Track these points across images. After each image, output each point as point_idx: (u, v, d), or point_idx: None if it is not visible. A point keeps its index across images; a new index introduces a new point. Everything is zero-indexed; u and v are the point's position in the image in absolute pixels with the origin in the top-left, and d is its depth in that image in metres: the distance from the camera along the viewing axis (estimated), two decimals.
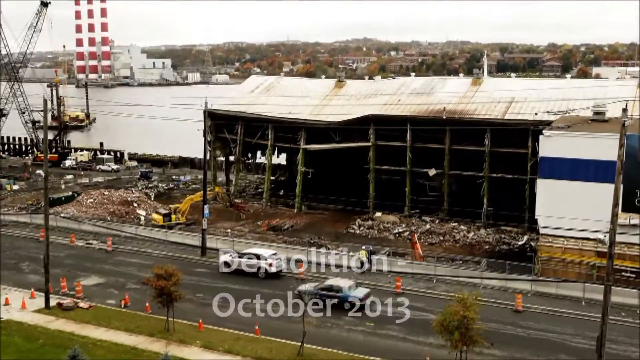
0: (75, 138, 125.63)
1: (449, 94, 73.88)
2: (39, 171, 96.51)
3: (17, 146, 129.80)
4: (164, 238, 60.93)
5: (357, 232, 66.88)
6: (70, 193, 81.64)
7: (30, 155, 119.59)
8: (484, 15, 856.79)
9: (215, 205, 73.83)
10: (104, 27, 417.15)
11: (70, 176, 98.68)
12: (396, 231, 65.77)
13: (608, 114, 57.03)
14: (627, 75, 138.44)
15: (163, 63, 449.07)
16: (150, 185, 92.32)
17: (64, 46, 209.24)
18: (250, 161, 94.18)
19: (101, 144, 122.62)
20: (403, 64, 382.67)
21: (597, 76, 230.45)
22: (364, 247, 53.24)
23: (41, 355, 35.28)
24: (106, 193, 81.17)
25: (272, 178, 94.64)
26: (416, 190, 72.97)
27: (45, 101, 45.62)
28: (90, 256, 56.42)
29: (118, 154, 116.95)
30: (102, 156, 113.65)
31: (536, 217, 52.18)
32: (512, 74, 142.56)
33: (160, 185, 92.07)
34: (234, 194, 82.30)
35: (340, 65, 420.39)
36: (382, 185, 74.92)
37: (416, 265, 51.82)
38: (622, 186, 29.27)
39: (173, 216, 68.82)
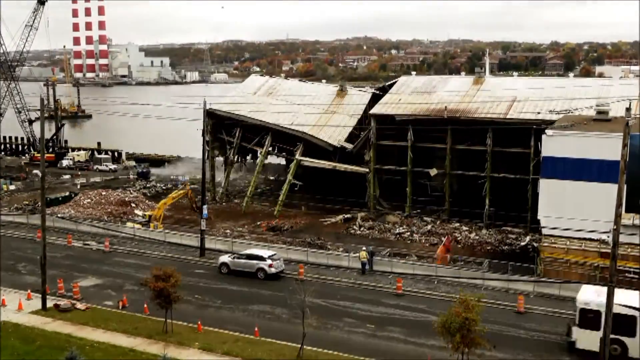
0: (72, 136, 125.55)
1: (451, 93, 73.92)
2: (36, 171, 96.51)
3: (13, 146, 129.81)
4: (162, 239, 60.93)
5: (358, 232, 66.91)
6: (67, 193, 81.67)
7: (26, 155, 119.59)
8: (487, 15, 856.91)
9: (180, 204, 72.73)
10: (101, 25, 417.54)
11: (67, 176, 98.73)
12: (397, 232, 65.79)
13: (611, 113, 57.08)
14: (630, 74, 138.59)
15: (161, 62, 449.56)
16: (148, 185, 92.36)
17: (64, 46, 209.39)
18: (248, 161, 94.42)
19: (99, 144, 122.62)
20: (404, 63, 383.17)
21: (601, 75, 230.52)
22: (364, 248, 53.26)
23: (38, 357, 35.25)
24: (103, 193, 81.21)
25: (272, 178, 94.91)
26: (417, 191, 73.01)
27: (42, 100, 45.62)
28: (87, 257, 56.43)
29: (115, 154, 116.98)
30: (100, 156, 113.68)
31: (538, 218, 52.19)
32: (514, 73, 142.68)
33: (158, 185, 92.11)
34: (222, 194, 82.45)
35: (340, 64, 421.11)
36: (383, 185, 75.02)
37: (417, 266, 51.85)
38: (625, 186, 29.29)
39: (151, 224, 66.18)
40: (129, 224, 66.86)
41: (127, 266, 53.56)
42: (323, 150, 76.56)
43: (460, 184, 72.49)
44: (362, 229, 67.83)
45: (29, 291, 45.16)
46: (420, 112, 71.23)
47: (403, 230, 66.24)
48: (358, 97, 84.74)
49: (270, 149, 79.78)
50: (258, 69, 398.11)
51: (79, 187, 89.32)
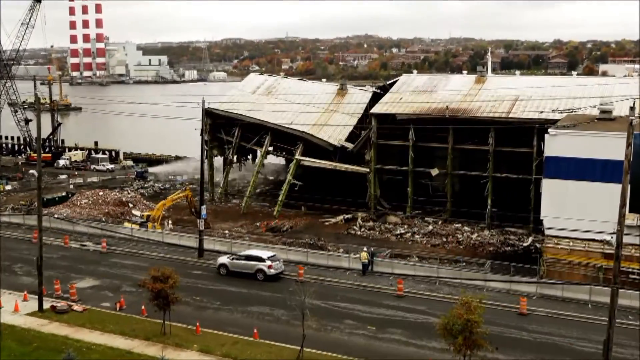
0: (69, 136, 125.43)
1: (452, 92, 73.95)
2: (32, 171, 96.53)
3: (9, 145, 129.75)
4: (160, 239, 60.92)
5: (358, 233, 66.92)
6: (64, 193, 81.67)
7: (23, 154, 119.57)
8: (490, 15, 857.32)
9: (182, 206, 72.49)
10: (98, 23, 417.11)
11: (64, 176, 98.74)
12: (398, 232, 65.80)
13: (615, 113, 57.07)
14: (634, 73, 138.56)
15: (159, 60, 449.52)
16: (145, 185, 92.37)
17: (52, 45, 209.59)
18: (247, 161, 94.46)
19: (96, 143, 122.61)
20: (405, 61, 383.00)
21: (604, 73, 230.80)
22: (364, 249, 53.25)
23: (35, 359, 35.27)
24: (101, 193, 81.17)
25: (271, 178, 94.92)
26: (419, 191, 73.01)
27: (38, 99, 45.66)
28: (84, 258, 56.43)
29: (113, 154, 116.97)
30: (97, 155, 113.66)
31: (541, 218, 52.16)
32: (517, 72, 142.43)
33: (156, 185, 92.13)
34: (221, 194, 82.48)
35: (340, 63, 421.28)
36: (384, 185, 75.04)
37: (418, 268, 51.86)
38: (629, 186, 29.27)
39: (149, 224, 65.82)
40: (126, 224, 66.84)
41: (124, 267, 53.56)
42: (323, 149, 76.57)
43: (462, 184, 72.50)
44: (362, 229, 67.84)
45: (25, 292, 45.15)
46: (421, 111, 71.23)
47: (404, 231, 66.25)
48: (358, 96, 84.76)
49: (269, 148, 79.79)
50: (257, 68, 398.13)
51: (72, 187, 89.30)
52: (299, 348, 35.17)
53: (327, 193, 74.11)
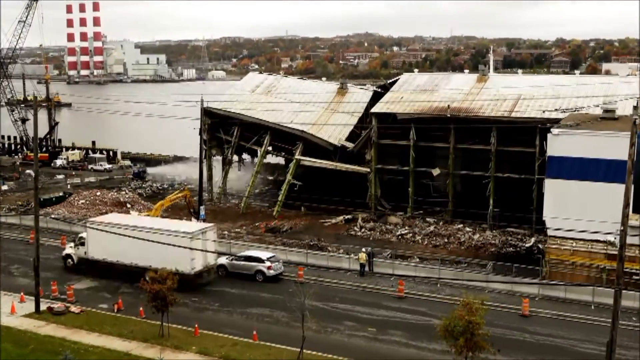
0: (66, 135, 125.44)
1: (454, 91, 73.94)
2: (29, 171, 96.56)
3: (6, 145, 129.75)
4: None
5: (359, 233, 66.93)
6: (61, 193, 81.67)
7: (20, 154, 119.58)
8: (492, 13, 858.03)
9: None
10: (96, 21, 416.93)
11: (61, 176, 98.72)
12: (399, 233, 65.81)
13: (618, 112, 57.06)
14: (637, 72, 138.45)
15: (157, 59, 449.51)
16: (144, 185, 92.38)
17: (41, 45, 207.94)
18: (246, 161, 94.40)
19: (93, 143, 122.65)
20: (406, 60, 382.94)
21: (607, 72, 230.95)
22: (364, 249, 53.26)
23: None
24: (98, 193, 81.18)
25: (271, 178, 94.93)
26: (420, 191, 73.00)
27: (35, 98, 45.67)
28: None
29: (111, 153, 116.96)
30: (94, 155, 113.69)
31: (544, 219, 52.17)
32: (519, 70, 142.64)
33: (154, 185, 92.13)
34: (220, 195, 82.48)
35: (341, 61, 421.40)
36: (385, 186, 75.04)
37: (419, 268, 51.88)
38: (633, 186, 29.29)
39: None
40: None
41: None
42: (323, 149, 76.57)
43: (464, 184, 72.47)
44: (363, 230, 67.84)
45: (22, 294, 45.18)
46: (422, 111, 71.23)
47: (405, 232, 66.25)
48: (359, 95, 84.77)
49: (269, 148, 79.78)
50: (256, 67, 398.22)
51: (69, 187, 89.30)
52: (298, 350, 35.19)
53: (327, 193, 74.06)
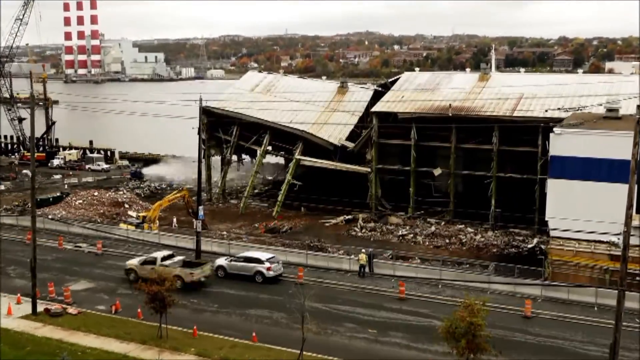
0: (63, 135, 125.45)
1: (455, 90, 73.95)
2: (26, 171, 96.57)
3: (2, 145, 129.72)
4: (156, 241, 60.92)
5: (359, 234, 66.94)
6: (58, 193, 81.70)
7: (16, 154, 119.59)
8: (494, 11, 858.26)
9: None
10: (93, 19, 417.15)
11: (58, 176, 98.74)
12: (400, 233, 65.81)
13: (621, 111, 57.06)
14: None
15: (156, 57, 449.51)
16: (141, 185, 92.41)
17: (27, 44, 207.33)
18: (245, 161, 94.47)
19: (91, 142, 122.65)
20: (407, 59, 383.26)
21: (611, 71, 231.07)
22: (364, 250, 53.26)
23: None
24: (96, 194, 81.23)
25: (270, 178, 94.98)
26: (421, 191, 73.00)
27: (32, 97, 45.69)
28: (79, 260, 56.45)
29: (108, 153, 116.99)
30: (92, 155, 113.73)
31: (546, 219, 52.20)
32: (521, 69, 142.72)
33: (152, 185, 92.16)
34: (219, 195, 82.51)
35: (341, 60, 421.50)
36: (386, 186, 75.05)
37: (420, 269, 51.88)
38: (636, 186, 29.29)
39: (145, 225, 65.71)
40: (122, 226, 66.81)
41: (120, 269, 53.43)
42: (323, 149, 76.59)
43: (465, 184, 72.48)
44: (363, 230, 67.86)
45: (18, 295, 45.15)
46: (423, 110, 71.24)
47: (406, 232, 66.27)
48: (359, 94, 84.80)
49: (268, 147, 79.81)
50: (256, 65, 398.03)
51: (66, 187, 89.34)
52: (298, 352, 35.18)
53: (327, 193, 74.13)
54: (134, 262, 50.65)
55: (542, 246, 57.45)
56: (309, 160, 76.54)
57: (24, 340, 38.41)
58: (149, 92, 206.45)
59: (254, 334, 38.51)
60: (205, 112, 75.66)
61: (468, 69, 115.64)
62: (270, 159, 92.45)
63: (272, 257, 51.07)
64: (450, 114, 68.73)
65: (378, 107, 74.10)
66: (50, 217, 69.59)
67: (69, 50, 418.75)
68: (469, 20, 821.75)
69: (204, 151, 78.49)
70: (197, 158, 59.59)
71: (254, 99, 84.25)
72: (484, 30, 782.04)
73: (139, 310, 41.66)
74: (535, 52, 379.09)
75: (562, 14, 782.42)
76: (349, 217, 71.64)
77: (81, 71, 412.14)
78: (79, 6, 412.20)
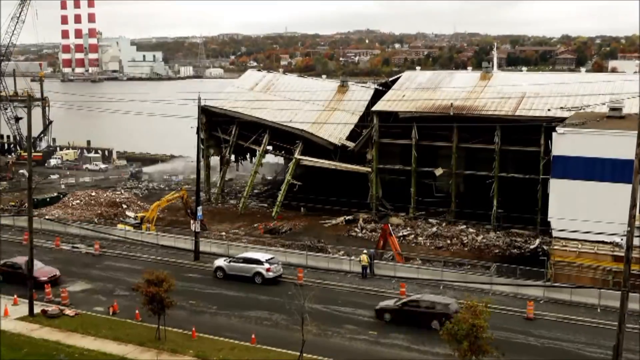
0: (60, 134, 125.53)
1: (457, 89, 73.99)
2: (22, 170, 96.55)
3: None
4: (154, 241, 60.94)
5: (360, 234, 66.96)
6: (55, 194, 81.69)
7: (13, 153, 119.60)
8: (497, 12, 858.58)
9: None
10: (91, 17, 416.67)
11: (55, 176, 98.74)
12: (401, 234, 65.81)
13: (625, 110, 57.07)
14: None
15: (154, 56, 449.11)
16: (140, 185, 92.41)
17: (15, 44, 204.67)
18: (244, 161, 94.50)
19: (88, 142, 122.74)
20: (408, 57, 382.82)
21: (614, 70, 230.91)
22: (365, 251, 53.24)
23: None
24: (93, 194, 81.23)
25: (270, 178, 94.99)
26: (422, 191, 73.02)
27: (29, 96, 45.65)
28: (76, 260, 56.43)
29: (106, 153, 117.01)
30: (89, 155, 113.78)
31: (549, 220, 52.21)
32: (524, 68, 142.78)
33: (150, 185, 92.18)
34: (218, 195, 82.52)
35: (341, 59, 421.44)
36: (386, 186, 75.09)
37: (422, 270, 51.88)
38: None
39: (144, 225, 65.79)
40: (120, 226, 66.76)
41: (118, 270, 53.55)
42: (323, 148, 76.62)
43: (467, 184, 72.54)
44: (364, 231, 67.89)
45: (15, 296, 45.12)
46: (425, 109, 71.28)
47: (407, 233, 66.30)
48: (360, 93, 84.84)
49: (268, 147, 79.84)
50: (255, 64, 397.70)
51: (63, 187, 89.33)
52: (298, 354, 35.18)
53: (328, 193, 74.16)
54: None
55: (545, 247, 57.51)
56: (308, 160, 76.56)
57: (20, 342, 38.39)
58: (147, 91, 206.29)
59: (253, 336, 38.50)
60: (204, 111, 75.79)
61: (470, 68, 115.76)
62: (270, 158, 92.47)
63: (272, 258, 51.05)
64: (452, 113, 68.76)
65: (379, 107, 74.13)
66: (47, 217, 69.59)
67: (66, 48, 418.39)
68: (470, 18, 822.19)
69: (203, 151, 78.52)
70: (195, 158, 59.60)
71: (253, 98, 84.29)
72: (486, 29, 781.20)
73: (137, 311, 41.65)
74: (538, 50, 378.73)
75: (565, 12, 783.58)
76: (350, 217, 71.67)
77: (78, 70, 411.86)
78: (76, 4, 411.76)
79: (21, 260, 48.79)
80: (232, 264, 51.03)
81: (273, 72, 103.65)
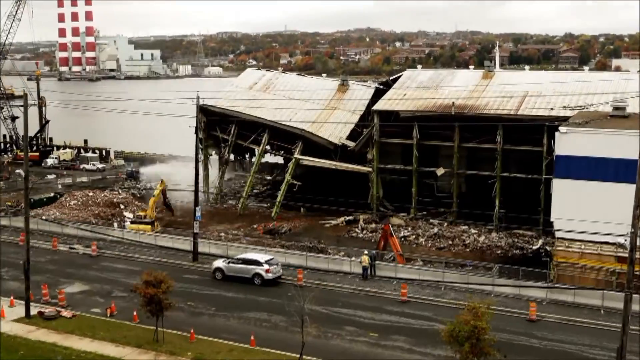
0: (57, 133, 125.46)
1: (458, 88, 73.99)
2: (19, 170, 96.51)
3: None
4: (152, 242, 60.95)
5: (360, 235, 66.97)
6: (52, 194, 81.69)
7: (9, 153, 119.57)
8: (498, 10, 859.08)
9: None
10: (88, 15, 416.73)
11: (52, 176, 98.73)
12: (402, 235, 65.82)
13: (628, 109, 57.05)
14: None
15: (152, 55, 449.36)
16: (137, 185, 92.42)
17: (11, 42, 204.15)
18: (243, 160, 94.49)
19: (85, 142, 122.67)
20: (409, 56, 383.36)
21: (618, 68, 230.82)
22: (366, 252, 53.25)
23: None
24: (90, 194, 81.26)
25: (269, 178, 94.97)
26: (423, 191, 73.02)
27: (25, 95, 45.67)
28: (73, 262, 56.44)
29: (103, 152, 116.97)
30: (87, 154, 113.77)
31: (552, 220, 52.19)
32: (526, 66, 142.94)
33: (148, 185, 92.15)
34: (217, 195, 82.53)
35: (341, 57, 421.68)
36: (387, 186, 75.09)
37: (423, 272, 51.88)
38: None
39: (156, 223, 67.92)
40: (132, 227, 66.63)
41: (115, 271, 53.56)
42: (323, 148, 76.63)
43: (469, 184, 72.54)
44: (364, 231, 67.91)
45: (11, 298, 45.15)
46: (426, 108, 71.28)
47: (408, 234, 66.32)
48: (360, 92, 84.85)
49: (267, 147, 79.85)
50: (254, 63, 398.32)
51: (60, 187, 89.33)
52: (297, 356, 35.20)
53: (328, 194, 74.12)
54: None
55: (548, 248, 57.51)
56: (308, 160, 76.58)
57: (16, 344, 38.39)
58: (145, 90, 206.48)
59: (252, 338, 38.50)
60: (203, 110, 75.76)
61: (471, 67, 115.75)
62: (269, 158, 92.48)
63: (271, 259, 51.05)
64: (453, 113, 68.78)
65: (379, 106, 74.15)
66: (44, 218, 69.58)
67: (63, 47, 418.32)
68: (472, 16, 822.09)
69: (202, 150, 78.54)
70: (194, 157, 59.66)
71: (252, 97, 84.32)
72: (488, 27, 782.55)
73: (134, 313, 41.65)
74: (540, 49, 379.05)
75: (567, 10, 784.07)
76: (350, 218, 71.69)
77: (76, 69, 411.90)
78: (73, 2, 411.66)
79: None
80: (231, 265, 51.04)
81: (272, 71, 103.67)
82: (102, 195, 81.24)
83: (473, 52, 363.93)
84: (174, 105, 78.84)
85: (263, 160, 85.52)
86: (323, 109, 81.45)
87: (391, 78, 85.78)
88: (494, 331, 32.08)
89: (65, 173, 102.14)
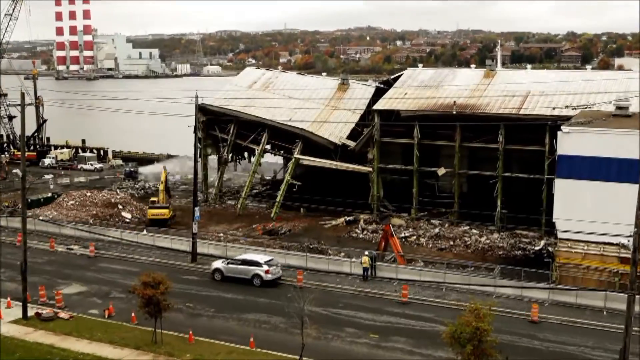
0: (55, 133, 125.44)
1: (460, 87, 73.98)
2: (16, 170, 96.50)
3: None
4: (151, 243, 60.95)
5: (361, 236, 66.94)
6: (49, 194, 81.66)
7: (6, 153, 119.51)
8: (500, 8, 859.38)
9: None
10: (86, 14, 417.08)
11: (49, 176, 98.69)
12: (402, 235, 65.80)
13: (631, 109, 57.06)
14: None
15: (150, 53, 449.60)
16: (136, 185, 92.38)
17: (8, 41, 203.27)
18: (242, 160, 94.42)
19: (83, 141, 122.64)
20: (410, 55, 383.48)
21: (620, 67, 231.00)
22: (366, 252, 53.24)
23: None
24: (88, 194, 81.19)
25: (268, 178, 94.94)
26: (424, 191, 73.00)
27: (22, 95, 45.67)
28: (71, 262, 56.45)
29: (101, 152, 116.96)
30: (84, 154, 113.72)
31: (554, 220, 52.20)
32: (528, 65, 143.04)
33: (147, 185, 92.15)
34: (216, 195, 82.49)
35: (341, 56, 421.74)
36: (388, 186, 75.06)
37: (424, 273, 51.88)
38: None
39: (170, 207, 73.05)
40: (152, 211, 70.76)
41: (113, 272, 53.56)
42: (323, 148, 76.61)
43: (470, 184, 72.52)
44: (365, 232, 67.86)
45: (8, 299, 45.15)
46: (427, 108, 71.26)
47: (409, 234, 66.29)
48: (361, 91, 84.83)
49: (267, 146, 79.83)
50: (254, 61, 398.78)
51: (57, 187, 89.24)
52: (297, 357, 35.21)
53: (328, 194, 74.11)
54: None
55: (550, 248, 57.46)
56: (308, 160, 76.57)
57: (13, 345, 38.40)
58: (143, 89, 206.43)
59: (251, 339, 38.50)
60: (202, 109, 75.71)
61: (473, 66, 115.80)
62: (269, 158, 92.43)
63: (271, 260, 51.05)
64: (455, 112, 68.76)
65: (380, 105, 74.12)
66: (41, 218, 69.53)
67: (61, 46, 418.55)
68: (472, 16, 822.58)
69: (200, 150, 78.52)
70: (193, 157, 59.65)
71: (251, 96, 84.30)
72: (489, 26, 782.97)
73: (133, 314, 41.65)
74: (543, 48, 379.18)
75: (569, 9, 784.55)
76: (350, 218, 71.67)
77: (73, 67, 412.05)
78: (71, 1, 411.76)
79: None
80: (230, 265, 51.03)
81: (272, 70, 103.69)
82: (100, 195, 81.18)
83: (474, 51, 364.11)
84: (173, 104, 78.80)
85: (262, 160, 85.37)
86: (323, 108, 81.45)
87: (392, 77, 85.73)
88: (496, 333, 32.10)
89: (62, 173, 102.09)
